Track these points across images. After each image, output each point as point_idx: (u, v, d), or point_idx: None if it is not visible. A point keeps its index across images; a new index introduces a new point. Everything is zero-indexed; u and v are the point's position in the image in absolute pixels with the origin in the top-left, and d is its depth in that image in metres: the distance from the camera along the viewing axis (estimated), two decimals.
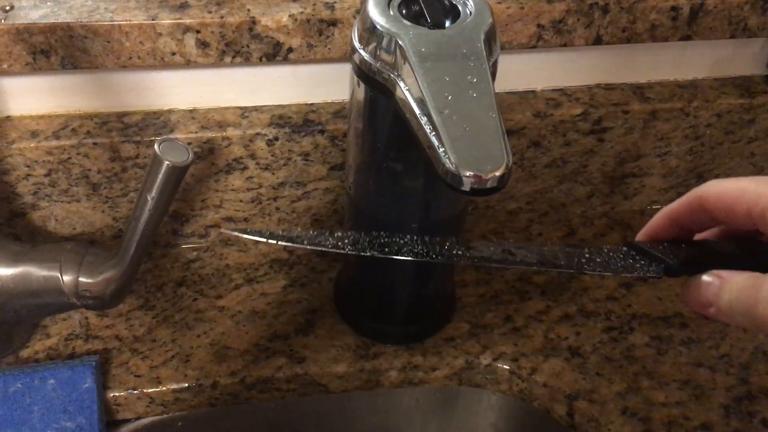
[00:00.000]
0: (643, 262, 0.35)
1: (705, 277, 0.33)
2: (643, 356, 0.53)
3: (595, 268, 0.34)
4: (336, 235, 0.35)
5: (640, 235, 0.37)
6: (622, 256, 0.35)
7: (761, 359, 0.53)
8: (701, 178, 0.64)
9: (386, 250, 0.34)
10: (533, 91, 0.58)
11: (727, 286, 0.32)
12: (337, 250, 0.35)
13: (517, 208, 0.63)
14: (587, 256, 0.35)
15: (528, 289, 0.58)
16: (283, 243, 0.34)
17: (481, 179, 0.33)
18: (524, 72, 0.58)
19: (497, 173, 0.33)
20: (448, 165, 0.33)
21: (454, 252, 0.35)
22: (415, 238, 0.35)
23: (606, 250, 0.35)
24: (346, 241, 0.35)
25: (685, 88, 0.60)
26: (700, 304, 0.33)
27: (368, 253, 0.34)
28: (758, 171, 0.64)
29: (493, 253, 0.34)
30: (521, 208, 0.63)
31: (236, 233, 0.35)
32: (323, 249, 0.35)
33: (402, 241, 0.35)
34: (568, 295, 0.57)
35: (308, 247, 0.34)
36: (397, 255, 0.34)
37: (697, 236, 0.37)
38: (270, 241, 0.34)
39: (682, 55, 0.59)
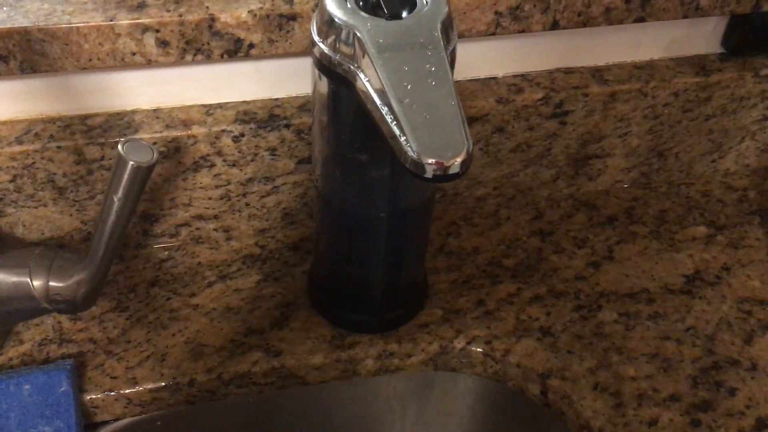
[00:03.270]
0: None
1: None
2: (612, 332, 0.54)
3: None
4: None
5: None
6: None
7: (725, 330, 0.55)
8: (662, 157, 0.65)
9: None
10: (495, 78, 0.59)
11: None
12: None
13: (485, 193, 0.64)
14: None
15: (499, 273, 0.59)
16: None
17: (443, 166, 0.33)
18: (485, 59, 0.58)
19: (458, 159, 0.34)
20: (410, 153, 0.34)
21: None
22: None
23: None
24: None
25: (643, 69, 0.61)
26: None
27: None
28: (717, 147, 0.66)
29: None
30: (489, 194, 0.64)
31: None
32: None
33: None
34: (538, 276, 0.58)
35: None
36: None
37: None
38: None
39: (638, 37, 0.60)
